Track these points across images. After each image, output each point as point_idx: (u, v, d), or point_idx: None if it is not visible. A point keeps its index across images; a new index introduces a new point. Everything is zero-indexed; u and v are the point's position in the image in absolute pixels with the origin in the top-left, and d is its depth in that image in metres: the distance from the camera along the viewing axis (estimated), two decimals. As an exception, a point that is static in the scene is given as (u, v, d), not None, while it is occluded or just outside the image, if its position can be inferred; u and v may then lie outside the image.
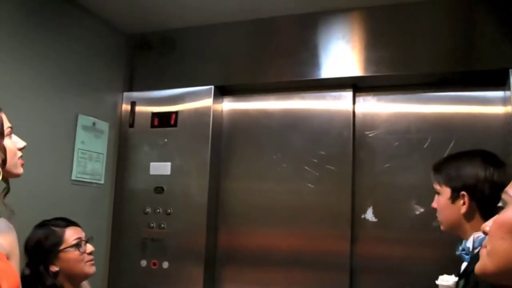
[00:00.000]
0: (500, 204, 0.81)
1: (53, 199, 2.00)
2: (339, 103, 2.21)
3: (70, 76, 2.13)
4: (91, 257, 1.71)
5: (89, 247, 1.72)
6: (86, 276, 1.71)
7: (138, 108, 2.44)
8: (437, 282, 1.37)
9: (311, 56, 2.19)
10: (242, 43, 2.35)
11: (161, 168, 2.32)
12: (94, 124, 2.26)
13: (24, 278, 1.57)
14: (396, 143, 2.12)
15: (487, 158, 1.43)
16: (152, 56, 2.49)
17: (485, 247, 0.80)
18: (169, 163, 2.31)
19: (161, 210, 2.29)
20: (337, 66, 2.15)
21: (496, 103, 1.99)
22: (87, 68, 2.23)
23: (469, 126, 2.01)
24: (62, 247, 1.64)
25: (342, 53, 2.15)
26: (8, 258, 1.21)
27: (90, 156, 2.23)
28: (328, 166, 2.17)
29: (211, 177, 2.27)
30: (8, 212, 1.25)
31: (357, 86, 2.21)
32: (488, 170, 1.38)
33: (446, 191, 1.44)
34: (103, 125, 2.33)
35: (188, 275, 2.20)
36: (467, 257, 1.37)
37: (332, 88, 2.22)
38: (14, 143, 1.29)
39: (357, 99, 2.21)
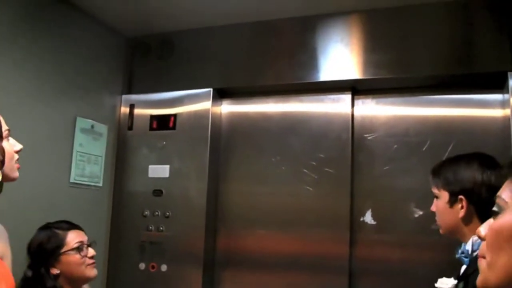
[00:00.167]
0: (495, 209, 0.78)
1: (52, 201, 1.99)
2: (338, 106, 2.21)
3: (68, 78, 2.12)
4: (92, 260, 1.71)
5: (91, 251, 1.72)
6: (86, 280, 1.71)
7: (137, 111, 2.44)
8: (436, 285, 1.37)
9: (310, 59, 2.19)
10: (241, 46, 2.35)
11: (159, 170, 2.32)
12: (92, 126, 2.26)
13: (26, 280, 1.59)
14: (395, 146, 2.12)
15: (484, 161, 1.43)
16: (151, 58, 2.49)
17: (483, 257, 0.77)
18: (167, 166, 2.31)
19: (159, 213, 2.28)
20: (336, 69, 2.15)
21: (494, 106, 1.99)
22: (85, 71, 2.23)
23: (468, 129, 2.01)
24: (63, 250, 1.64)
25: (341, 56, 2.15)
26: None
27: (88, 158, 2.23)
28: (327, 169, 2.17)
29: (210, 180, 2.26)
30: None
31: (356, 89, 2.21)
32: (485, 173, 1.38)
33: (444, 195, 1.45)
34: (102, 128, 2.33)
35: (186, 278, 2.20)
36: (466, 260, 1.38)
37: (331, 91, 2.21)
38: (11, 145, 1.28)
39: (356, 102, 2.21)
